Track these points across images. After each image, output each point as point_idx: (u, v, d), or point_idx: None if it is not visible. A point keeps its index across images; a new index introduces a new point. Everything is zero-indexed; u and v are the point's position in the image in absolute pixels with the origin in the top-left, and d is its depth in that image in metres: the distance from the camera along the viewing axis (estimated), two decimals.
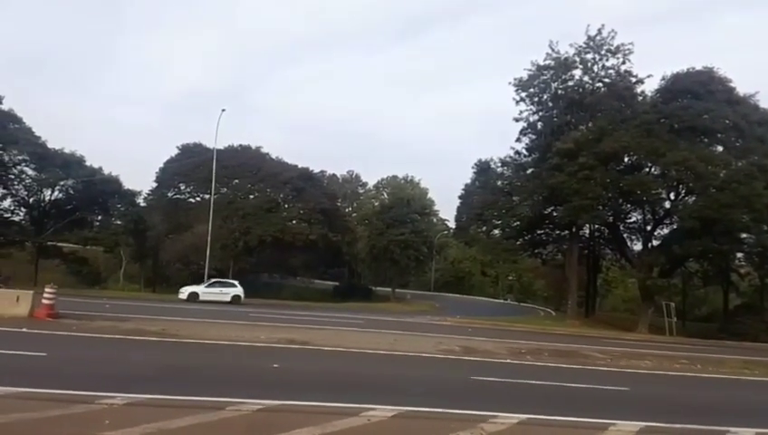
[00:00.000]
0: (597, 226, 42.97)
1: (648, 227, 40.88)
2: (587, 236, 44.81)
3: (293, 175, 49.47)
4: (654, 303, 37.55)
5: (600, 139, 35.78)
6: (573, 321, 38.69)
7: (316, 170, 57.41)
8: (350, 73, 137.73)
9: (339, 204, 63.22)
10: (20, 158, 40.71)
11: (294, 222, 47.91)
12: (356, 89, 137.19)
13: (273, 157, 52.58)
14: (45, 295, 17.69)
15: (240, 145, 52.26)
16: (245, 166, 49.37)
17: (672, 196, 38.44)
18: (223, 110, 42.85)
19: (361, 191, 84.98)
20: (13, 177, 41.71)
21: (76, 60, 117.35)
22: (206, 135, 78.09)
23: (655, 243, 40.58)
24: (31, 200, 43.64)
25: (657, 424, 9.32)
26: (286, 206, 49.51)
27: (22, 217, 44.23)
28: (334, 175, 78.82)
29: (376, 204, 72.30)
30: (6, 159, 40.13)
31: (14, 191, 42.47)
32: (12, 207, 43.27)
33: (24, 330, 14.84)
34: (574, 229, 41.24)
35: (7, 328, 14.79)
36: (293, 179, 48.93)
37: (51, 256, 42.78)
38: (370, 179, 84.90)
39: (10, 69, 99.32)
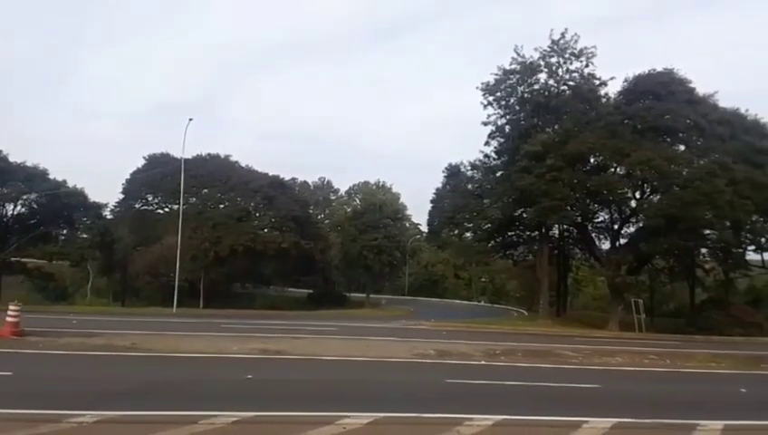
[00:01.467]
0: (566, 226, 43.50)
1: (616, 226, 41.51)
2: (556, 236, 45.35)
3: (264, 183, 49.06)
4: (623, 300, 38.09)
5: (567, 141, 36.30)
6: (545, 320, 39.09)
7: (287, 178, 57.15)
8: (320, 81, 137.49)
9: (311, 211, 62.88)
10: None
11: (266, 230, 47.47)
12: (327, 97, 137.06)
13: (243, 165, 52.14)
14: (9, 313, 17.22)
15: (209, 154, 51.70)
16: (215, 175, 48.79)
17: (637, 195, 39.14)
18: (190, 119, 42.02)
19: (333, 198, 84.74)
20: None
21: (40, 72, 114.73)
22: (175, 145, 77.08)
23: (622, 241, 41.20)
24: None
25: (629, 420, 9.50)
26: (257, 214, 49.05)
27: None
28: (305, 182, 78.53)
29: (348, 210, 72.11)
30: None
31: None
32: None
33: None
34: (544, 230, 41.72)
35: None
36: (264, 188, 48.52)
37: (14, 273, 41.61)
38: (342, 186, 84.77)
39: None
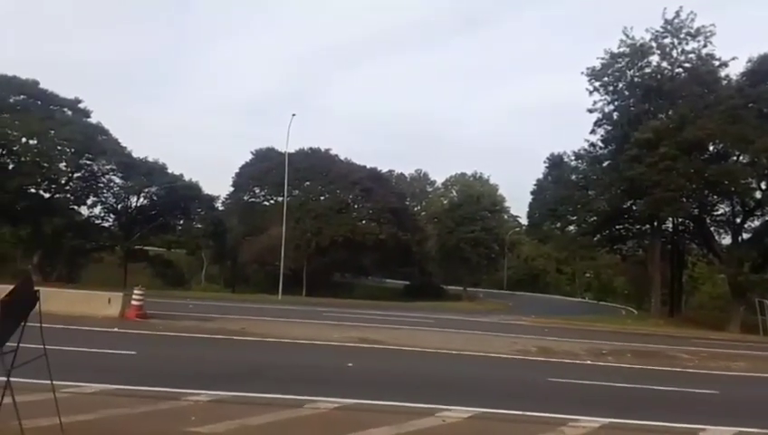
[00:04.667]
0: (680, 219, 40.79)
1: (738, 220, 38.40)
2: (670, 230, 42.59)
3: (362, 175, 50.03)
4: (746, 300, 35.24)
5: (682, 127, 33.95)
6: (657, 320, 36.90)
7: (384, 170, 57.86)
8: (415, 71, 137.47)
9: (407, 203, 63.32)
10: (108, 167, 43.32)
11: (364, 222, 48.47)
12: (422, 88, 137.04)
13: (342, 158, 53.42)
14: (134, 297, 18.71)
15: (310, 148, 53.43)
16: (316, 168, 50.37)
17: (763, 185, 35.94)
18: (293, 115, 44.22)
19: (430, 190, 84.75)
20: (102, 185, 44.48)
21: (153, 72, 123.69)
22: (278, 139, 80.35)
23: (745, 236, 38.10)
24: (119, 207, 46.39)
25: (752, 429, 8.72)
26: (356, 206, 50.14)
27: (111, 223, 47.09)
28: (402, 174, 79.20)
29: (445, 202, 71.88)
30: (96, 169, 42.82)
31: (103, 199, 45.29)
32: (102, 214, 46.22)
33: (116, 330, 15.76)
34: (656, 223, 39.35)
35: (100, 328, 15.76)
36: (362, 180, 49.48)
37: (138, 260, 45.29)
38: (439, 177, 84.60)
39: (93, 81, 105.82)
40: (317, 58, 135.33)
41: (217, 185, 66.08)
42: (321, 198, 49.91)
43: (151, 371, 10.50)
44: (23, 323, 5.60)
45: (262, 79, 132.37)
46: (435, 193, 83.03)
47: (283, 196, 44.50)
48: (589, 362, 15.98)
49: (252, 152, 53.87)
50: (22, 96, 39.84)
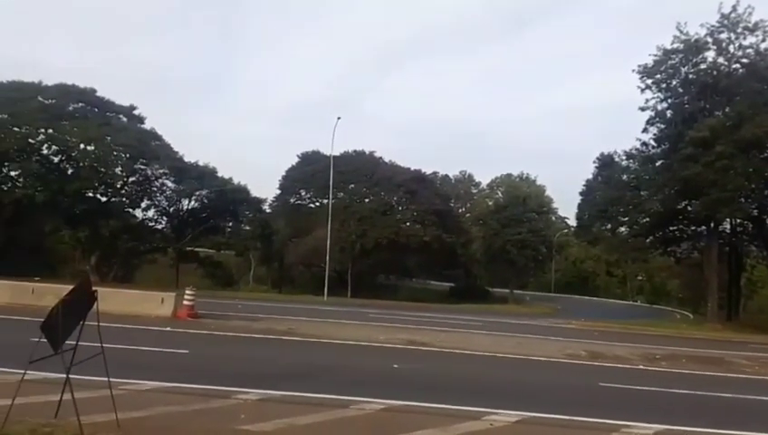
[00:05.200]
0: (739, 220, 39.12)
1: None
2: (727, 231, 40.88)
3: (406, 178, 50.00)
4: None
5: (740, 125, 32.54)
6: (714, 324, 35.43)
7: (428, 172, 57.59)
8: (459, 73, 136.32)
9: (452, 205, 62.90)
10: (161, 171, 44.78)
11: (408, 224, 48.41)
12: (466, 88, 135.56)
13: (386, 161, 53.46)
14: (186, 297, 19.24)
15: (354, 151, 53.74)
16: (360, 171, 50.62)
17: None
18: (338, 118, 44.70)
19: (475, 191, 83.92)
20: (155, 189, 46.00)
21: (203, 79, 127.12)
22: (323, 142, 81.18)
23: None
24: (171, 210, 47.88)
25: None
26: (400, 208, 50.13)
27: (164, 226, 48.64)
28: (447, 176, 78.62)
29: (490, 203, 71.02)
30: (150, 173, 44.33)
31: (156, 202, 46.83)
32: (155, 217, 47.84)
33: (169, 329, 16.23)
34: (712, 225, 37.81)
35: (154, 327, 16.27)
36: (406, 182, 49.44)
37: (189, 261, 46.61)
38: (484, 179, 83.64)
39: (147, 88, 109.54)
40: (361, 62, 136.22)
41: (265, 188, 67.54)
42: (366, 200, 50.13)
43: (203, 369, 10.76)
44: (81, 322, 5.83)
45: (307, 84, 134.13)
46: (480, 195, 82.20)
47: (329, 198, 44.94)
48: (641, 366, 15.49)
49: (298, 156, 54.64)
50: (80, 104, 41.63)
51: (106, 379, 6.15)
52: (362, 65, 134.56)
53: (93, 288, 6.14)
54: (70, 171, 40.44)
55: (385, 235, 45.78)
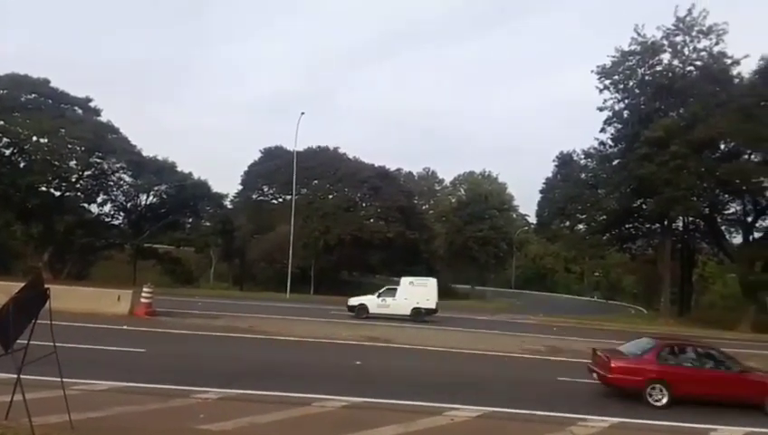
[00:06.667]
0: (691, 218, 40.45)
1: (749, 219, 38.04)
2: (680, 229, 42.26)
3: (370, 174, 50.00)
4: (757, 299, 34.92)
5: (693, 125, 33.66)
6: (667, 319, 36.59)
7: (392, 169, 57.71)
8: (423, 70, 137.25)
9: (415, 201, 63.16)
10: (118, 166, 43.50)
11: (372, 220, 48.44)
12: (430, 86, 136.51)
13: (351, 157, 53.35)
14: (143, 295, 18.82)
15: (318, 146, 53.43)
16: (324, 167, 50.38)
17: None
18: (302, 113, 44.17)
19: (438, 188, 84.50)
20: (112, 183, 44.69)
21: (161, 70, 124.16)
22: (288, 138, 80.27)
23: (757, 235, 37.72)
24: (128, 205, 46.63)
25: (762, 429, 8.69)
26: (364, 205, 50.12)
27: (121, 221, 47.33)
28: (410, 173, 78.91)
29: (453, 201, 71.71)
30: (106, 167, 43.03)
31: (113, 197, 45.51)
32: (112, 212, 46.45)
33: (125, 327, 15.84)
34: (666, 222, 39.03)
35: (110, 325, 15.84)
36: (371, 178, 49.45)
37: (147, 257, 45.49)
38: (447, 176, 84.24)
39: (104, 80, 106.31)
40: (327, 58, 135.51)
41: (226, 183, 66.54)
42: (330, 196, 49.92)
43: (160, 368, 10.54)
44: (33, 321, 5.64)
45: (272, 78, 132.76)
46: (443, 192, 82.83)
47: (292, 194, 44.56)
48: None
49: (260, 151, 54.00)
50: (33, 95, 40.10)
51: (59, 379, 5.97)
52: (329, 61, 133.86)
53: (46, 286, 5.95)
54: (22, 165, 38.94)
55: (348, 231, 45.70)
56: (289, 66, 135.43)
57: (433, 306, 25.09)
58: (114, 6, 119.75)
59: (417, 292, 25.27)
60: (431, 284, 26.13)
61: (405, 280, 26.26)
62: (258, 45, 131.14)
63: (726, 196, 37.63)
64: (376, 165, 52.32)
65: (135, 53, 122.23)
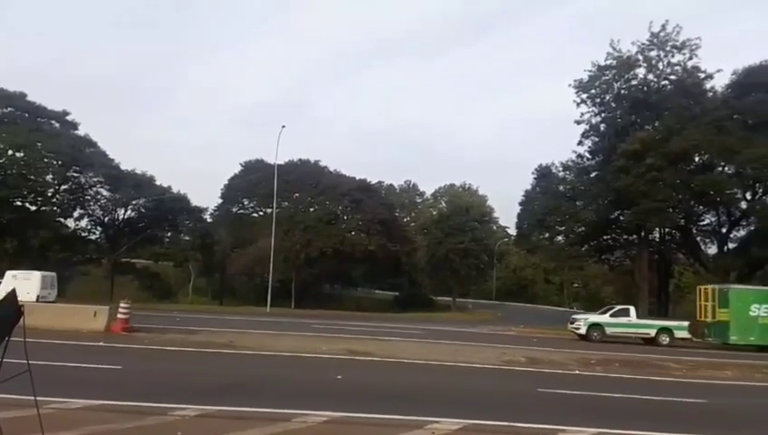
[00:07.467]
0: (667, 229, 41.19)
1: (724, 230, 38.88)
2: (657, 240, 43.00)
3: (352, 187, 50.08)
4: None
5: (668, 138, 34.42)
6: None
7: (374, 181, 57.88)
8: (404, 83, 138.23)
9: (397, 214, 63.40)
10: (95, 180, 43.09)
11: (353, 233, 48.46)
12: (411, 99, 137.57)
13: (332, 169, 53.49)
14: (120, 310, 18.53)
15: (299, 159, 53.45)
16: (305, 180, 50.35)
17: (748, 195, 36.42)
18: (283, 126, 44.34)
19: (419, 201, 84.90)
20: (89, 198, 44.21)
21: (141, 83, 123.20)
22: (268, 151, 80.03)
23: (731, 246, 38.54)
24: (106, 219, 46.09)
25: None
26: (345, 217, 50.15)
27: (98, 236, 46.76)
28: (392, 185, 79.26)
29: (434, 213, 72.03)
30: (83, 181, 42.56)
31: (90, 211, 45.00)
32: (89, 227, 46.00)
33: (101, 344, 15.55)
34: (643, 233, 39.69)
35: (86, 342, 15.56)
36: (352, 191, 49.52)
37: (125, 272, 44.93)
38: (428, 189, 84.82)
39: (81, 94, 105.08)
40: (308, 70, 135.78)
41: (206, 197, 65.75)
42: (311, 209, 49.86)
43: (137, 385, 10.37)
44: (6, 338, 5.52)
45: (252, 91, 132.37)
46: (424, 204, 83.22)
47: (272, 207, 44.39)
48: (577, 371, 16.00)
49: (241, 164, 53.85)
50: (9, 108, 39.64)
51: (33, 397, 5.84)
52: (310, 74, 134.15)
53: (20, 302, 5.84)
54: None
55: (330, 244, 45.63)
56: (269, 80, 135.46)
57: (34, 299, 25.33)
58: (94, 20, 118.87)
59: (22, 286, 23.98)
60: (35, 277, 27.41)
61: (9, 273, 27.01)
62: (237, 59, 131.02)
63: (701, 207, 38.44)
64: (357, 178, 52.52)
65: (114, 67, 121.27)
